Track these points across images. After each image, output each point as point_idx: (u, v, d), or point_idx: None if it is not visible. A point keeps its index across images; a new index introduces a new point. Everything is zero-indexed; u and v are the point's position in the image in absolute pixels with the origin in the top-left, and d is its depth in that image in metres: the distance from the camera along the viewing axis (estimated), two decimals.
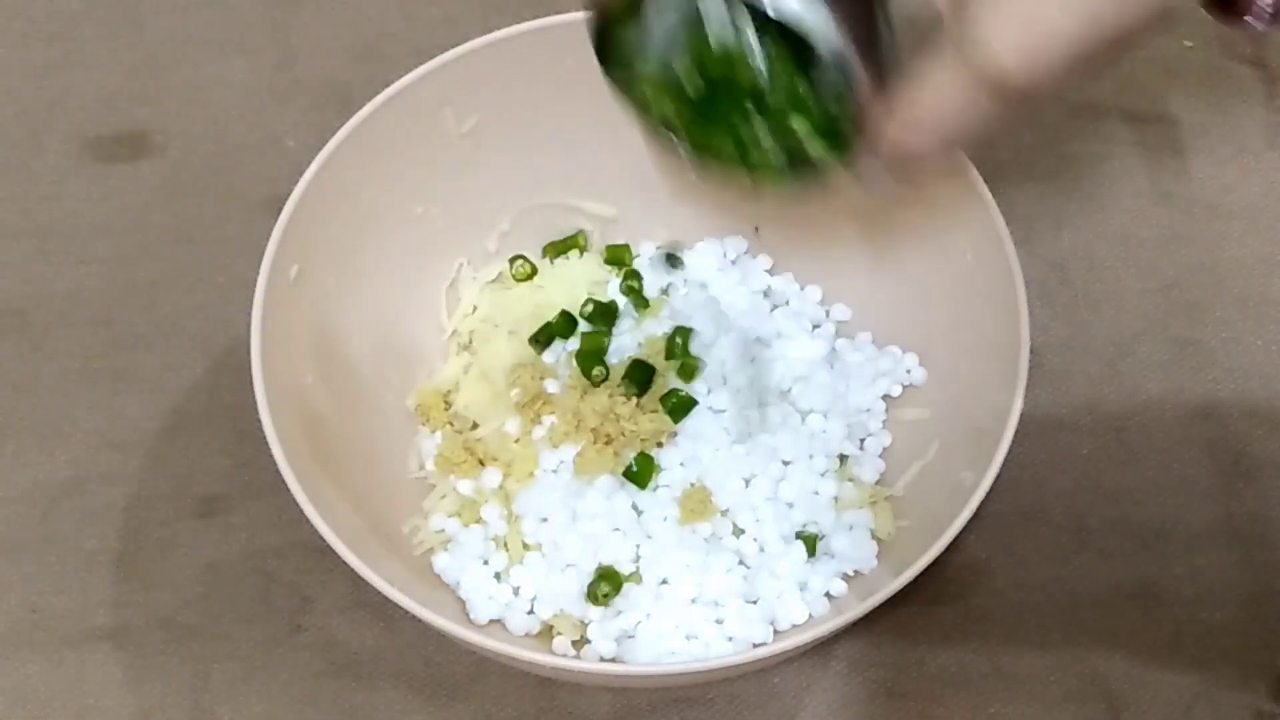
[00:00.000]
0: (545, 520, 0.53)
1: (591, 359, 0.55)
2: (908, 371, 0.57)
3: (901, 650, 0.54)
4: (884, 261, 0.57)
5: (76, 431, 0.59)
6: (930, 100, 0.39)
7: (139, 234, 0.64)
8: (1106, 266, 0.62)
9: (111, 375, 0.60)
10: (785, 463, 0.54)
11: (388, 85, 0.53)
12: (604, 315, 0.57)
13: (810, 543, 0.52)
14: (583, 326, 0.57)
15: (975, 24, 0.36)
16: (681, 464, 0.54)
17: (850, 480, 0.54)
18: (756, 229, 0.59)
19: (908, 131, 0.40)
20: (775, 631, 0.51)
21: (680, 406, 0.54)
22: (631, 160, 0.56)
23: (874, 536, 0.53)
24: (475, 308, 0.59)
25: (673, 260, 0.58)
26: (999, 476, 0.47)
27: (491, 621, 0.52)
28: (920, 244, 0.55)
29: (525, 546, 0.53)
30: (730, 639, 0.51)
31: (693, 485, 0.53)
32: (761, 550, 0.52)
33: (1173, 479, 0.57)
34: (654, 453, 0.54)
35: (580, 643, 0.52)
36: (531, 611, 0.52)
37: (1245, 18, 0.42)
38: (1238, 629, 0.54)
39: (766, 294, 0.59)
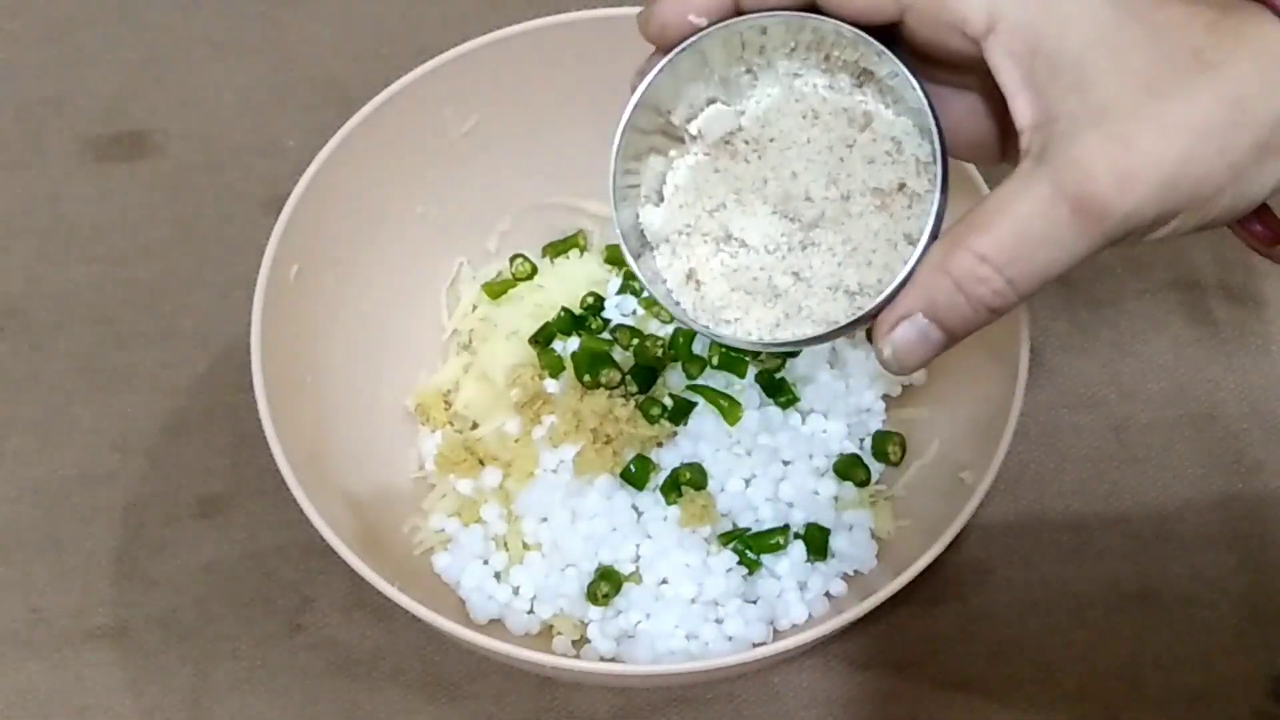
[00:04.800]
0: (545, 520, 0.53)
1: (588, 362, 0.55)
2: None
3: (901, 650, 0.54)
4: None
5: (76, 431, 0.59)
6: (1008, 226, 0.35)
7: (139, 234, 0.64)
8: (1106, 266, 0.62)
9: (111, 375, 0.60)
10: (785, 463, 0.54)
11: (388, 85, 0.53)
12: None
13: (818, 540, 0.52)
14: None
15: (1070, 141, 0.35)
16: (682, 464, 0.54)
17: (850, 480, 0.54)
18: None
19: (978, 266, 0.35)
20: (775, 631, 0.51)
21: (680, 408, 0.54)
22: None
23: (874, 536, 0.53)
24: (475, 307, 0.59)
25: None
26: (999, 476, 0.47)
27: (491, 621, 0.52)
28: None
29: (525, 546, 0.53)
30: (730, 639, 0.51)
31: (685, 464, 0.53)
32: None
33: (1173, 479, 0.57)
34: (654, 453, 0.54)
35: (580, 642, 0.52)
36: (531, 611, 0.52)
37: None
38: (1238, 629, 0.54)
39: None
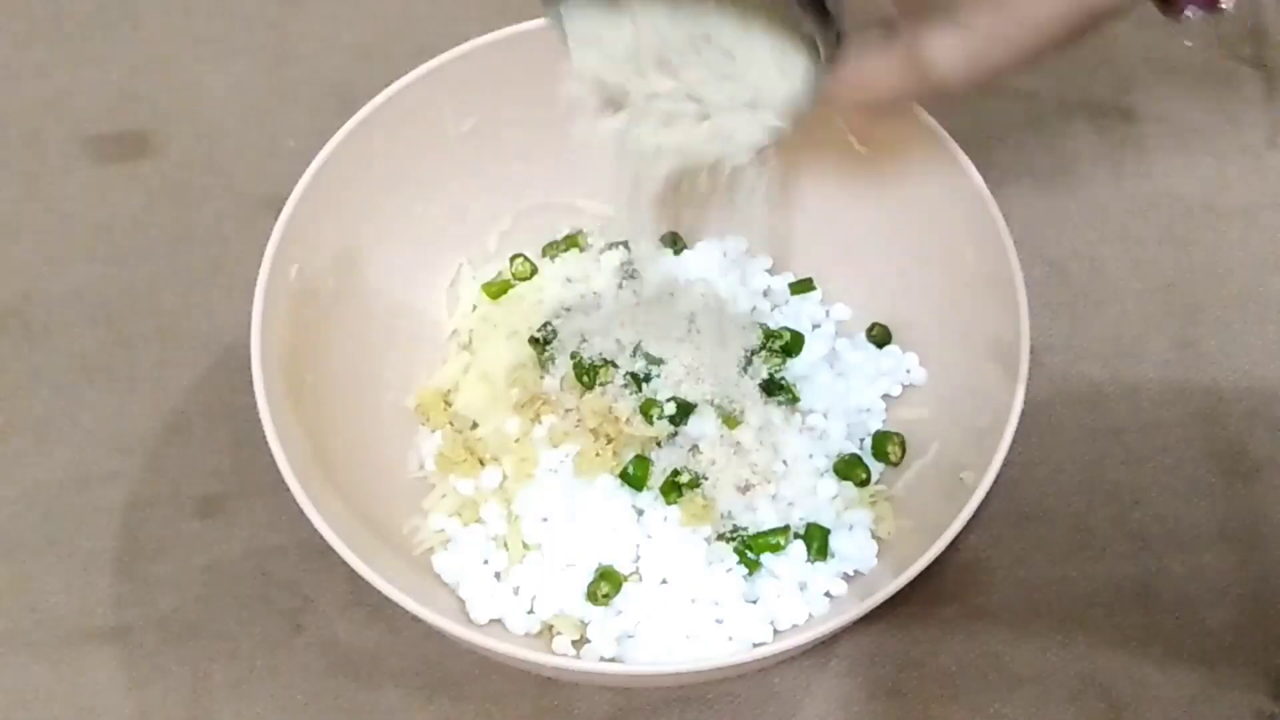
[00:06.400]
0: (545, 520, 0.53)
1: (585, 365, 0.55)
2: (908, 371, 0.57)
3: (901, 650, 0.54)
4: (884, 262, 0.57)
5: (76, 431, 0.59)
6: (871, 79, 0.43)
7: (139, 234, 0.64)
8: (1106, 266, 0.62)
9: (111, 375, 0.60)
10: (785, 463, 0.54)
11: (388, 85, 0.53)
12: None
13: (818, 540, 0.52)
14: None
15: (927, 43, 0.41)
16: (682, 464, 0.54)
17: (850, 480, 0.54)
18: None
19: (847, 92, 0.44)
20: (775, 631, 0.51)
21: (680, 408, 0.54)
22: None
23: (874, 536, 0.53)
24: (475, 307, 0.59)
25: (673, 241, 0.58)
26: (999, 476, 0.47)
27: (491, 621, 0.52)
28: (921, 244, 0.55)
29: (525, 546, 0.53)
30: (730, 639, 0.51)
31: (685, 469, 0.53)
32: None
33: (1173, 479, 0.57)
34: (654, 453, 0.54)
35: (580, 643, 0.52)
36: (531, 611, 0.52)
37: (1184, 12, 0.45)
38: (1238, 629, 0.54)
39: (766, 294, 0.59)
